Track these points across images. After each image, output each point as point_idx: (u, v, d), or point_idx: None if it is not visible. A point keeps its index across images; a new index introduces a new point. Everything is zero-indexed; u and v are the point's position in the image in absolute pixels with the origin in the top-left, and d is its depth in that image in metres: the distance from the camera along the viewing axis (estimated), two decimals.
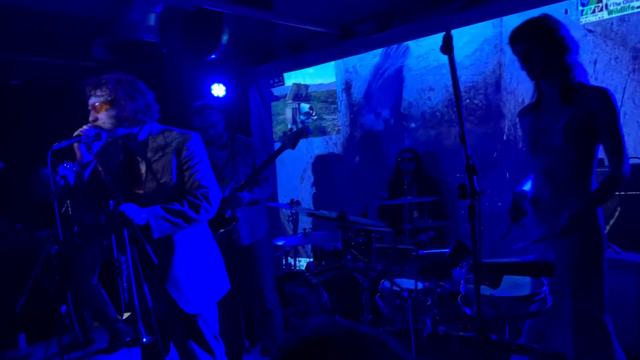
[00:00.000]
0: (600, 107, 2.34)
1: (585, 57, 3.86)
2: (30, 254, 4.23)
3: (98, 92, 2.30)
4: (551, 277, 2.13)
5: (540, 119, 2.54)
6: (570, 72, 2.40)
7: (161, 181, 2.36)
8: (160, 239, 2.25)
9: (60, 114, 4.99)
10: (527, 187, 2.64)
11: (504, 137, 4.32)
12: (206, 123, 3.73)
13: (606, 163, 3.39)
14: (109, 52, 5.38)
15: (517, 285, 2.13)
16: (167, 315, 2.43)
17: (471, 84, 4.51)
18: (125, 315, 5.41)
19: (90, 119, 2.32)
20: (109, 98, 2.29)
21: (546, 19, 2.46)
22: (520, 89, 4.19)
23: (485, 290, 1.92)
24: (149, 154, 2.40)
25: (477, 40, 4.42)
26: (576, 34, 3.86)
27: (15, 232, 4.34)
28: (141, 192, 2.37)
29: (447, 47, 1.94)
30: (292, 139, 3.47)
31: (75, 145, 2.26)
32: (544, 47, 2.39)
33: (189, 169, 2.38)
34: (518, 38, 2.45)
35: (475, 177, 1.64)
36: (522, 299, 1.99)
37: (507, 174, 4.28)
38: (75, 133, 2.26)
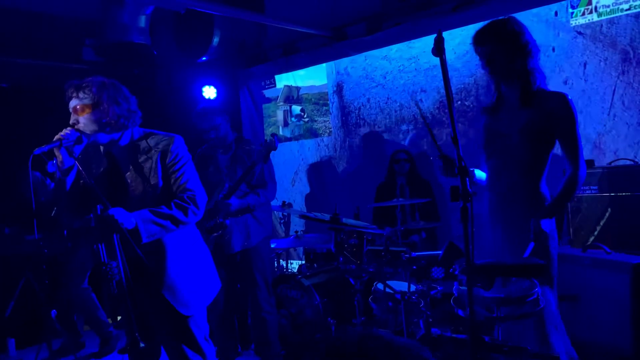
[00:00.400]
0: (560, 112, 2.38)
1: (575, 59, 3.89)
2: (19, 258, 4.19)
3: (81, 95, 2.25)
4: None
5: (498, 121, 2.56)
6: (532, 77, 2.43)
7: (147, 185, 2.33)
8: (151, 243, 2.24)
9: (49, 117, 4.94)
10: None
11: None
12: (206, 126, 3.72)
13: (596, 164, 3.45)
14: (99, 54, 5.36)
15: (509, 286, 2.14)
16: (158, 319, 2.41)
17: (462, 86, 4.53)
18: (119, 318, 5.37)
19: (71, 121, 2.26)
20: (92, 101, 2.24)
21: (512, 22, 2.49)
22: None
23: (477, 291, 1.92)
24: (133, 159, 2.37)
25: (468, 42, 4.41)
26: (566, 36, 3.91)
27: (3, 236, 4.29)
28: (127, 196, 2.34)
29: (438, 49, 1.94)
30: (262, 154, 3.49)
31: (56, 149, 2.20)
32: (508, 50, 2.41)
33: (174, 172, 2.36)
34: (483, 39, 2.47)
35: (467, 178, 1.64)
36: (515, 300, 1.99)
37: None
38: (56, 137, 2.20)
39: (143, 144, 2.38)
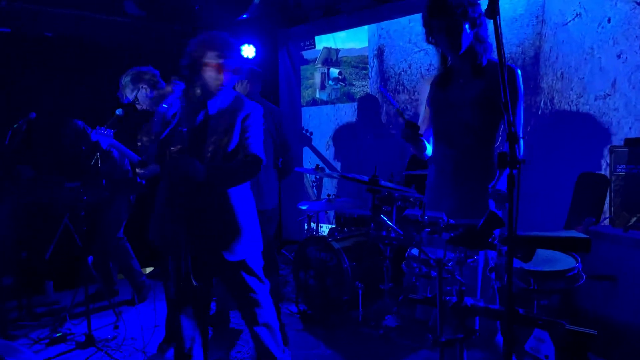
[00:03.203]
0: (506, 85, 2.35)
1: (631, 32, 3.69)
2: (59, 204, 4.31)
3: (231, 54, 2.55)
4: None
5: (448, 92, 2.59)
6: (482, 48, 2.46)
7: (223, 142, 2.52)
8: (217, 192, 2.51)
9: (91, 67, 5.02)
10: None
11: (539, 112, 4.20)
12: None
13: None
14: (141, 7, 5.35)
15: (549, 259, 2.09)
16: (217, 258, 2.59)
17: (508, 55, 4.37)
18: (149, 269, 5.53)
19: (211, 74, 2.50)
20: (237, 66, 2.56)
21: None
22: (560, 62, 4.05)
23: (516, 263, 1.89)
24: (220, 117, 2.57)
25: (517, 9, 4.26)
26: (624, 6, 3.71)
27: (43, 182, 4.41)
28: (204, 149, 2.53)
29: (492, 11, 1.86)
30: None
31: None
32: (463, 21, 2.38)
33: (247, 137, 2.55)
34: (435, 12, 2.40)
35: (516, 145, 1.58)
36: (554, 273, 1.95)
37: (538, 151, 4.17)
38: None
39: (232, 105, 2.62)
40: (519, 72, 2.46)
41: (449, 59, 2.59)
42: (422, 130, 2.63)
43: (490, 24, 2.42)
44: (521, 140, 2.42)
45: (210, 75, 2.52)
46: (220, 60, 2.52)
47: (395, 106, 2.47)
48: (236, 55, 2.61)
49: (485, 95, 2.44)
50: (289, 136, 4.20)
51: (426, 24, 2.48)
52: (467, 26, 2.39)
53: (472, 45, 2.45)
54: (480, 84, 2.46)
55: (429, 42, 2.55)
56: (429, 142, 2.71)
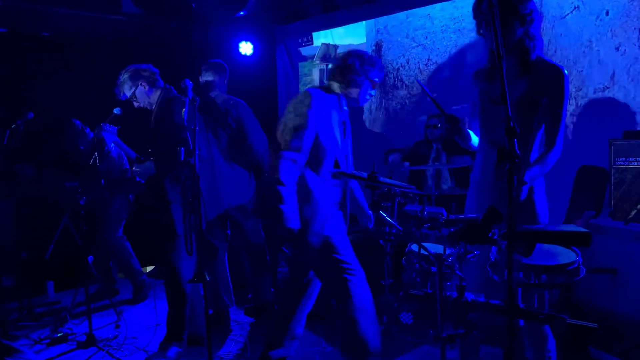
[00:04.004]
0: (553, 87, 2.32)
1: (629, 24, 3.68)
2: (59, 204, 4.30)
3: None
4: None
5: (493, 88, 2.49)
6: (532, 45, 2.36)
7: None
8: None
9: (88, 66, 5.00)
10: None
11: None
12: None
13: None
14: (139, 5, 5.34)
15: (549, 253, 2.09)
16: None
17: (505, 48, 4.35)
18: (149, 268, 5.51)
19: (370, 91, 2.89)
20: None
21: None
22: (558, 55, 4.04)
23: (515, 257, 1.88)
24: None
25: None
26: None
27: (43, 181, 4.41)
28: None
29: (489, 4, 1.85)
30: None
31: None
32: (513, 17, 2.32)
33: None
34: (490, 5, 2.34)
35: (515, 139, 1.57)
36: (554, 268, 1.95)
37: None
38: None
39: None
40: (567, 73, 2.36)
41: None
42: (469, 123, 2.58)
43: (539, 20, 2.40)
44: (559, 145, 2.37)
45: (366, 90, 2.85)
46: (377, 79, 2.84)
47: (434, 99, 2.40)
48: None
49: (527, 96, 2.36)
50: (256, 133, 3.85)
51: (476, 16, 2.43)
52: (516, 22, 2.32)
53: (521, 42, 2.36)
54: (525, 84, 2.38)
55: (478, 34, 2.46)
56: (476, 134, 2.64)
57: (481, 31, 2.43)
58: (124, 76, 3.53)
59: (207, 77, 3.81)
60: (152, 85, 3.54)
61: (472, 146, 2.63)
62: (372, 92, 2.90)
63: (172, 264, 3.32)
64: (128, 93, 3.54)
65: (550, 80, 2.32)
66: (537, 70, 2.36)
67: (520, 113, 2.36)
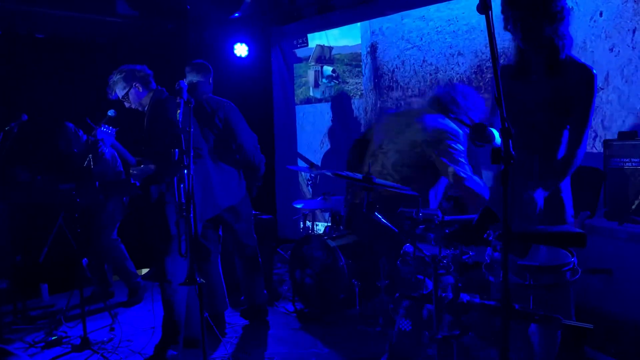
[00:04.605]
0: (582, 88, 2.29)
1: (623, 25, 3.70)
2: (53, 206, 4.29)
3: None
4: None
5: (519, 87, 2.44)
6: (561, 44, 2.30)
7: None
8: None
9: (83, 68, 4.98)
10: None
11: None
12: None
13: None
14: (133, 7, 5.33)
15: (544, 254, 2.10)
16: None
17: (500, 50, 4.35)
18: (144, 271, 5.50)
19: None
20: None
21: None
22: None
23: (510, 258, 1.88)
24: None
25: None
26: (616, 0, 3.70)
27: (37, 184, 4.39)
28: None
29: (484, 5, 1.85)
30: None
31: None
32: (542, 15, 2.26)
33: None
34: (515, 2, 2.31)
35: (510, 140, 1.58)
36: (549, 268, 1.95)
37: None
38: None
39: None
40: (596, 72, 2.31)
41: (526, 52, 2.42)
42: (491, 120, 2.55)
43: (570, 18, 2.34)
44: (583, 147, 2.33)
45: None
46: None
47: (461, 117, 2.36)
48: None
49: (558, 97, 2.31)
50: (244, 131, 3.82)
51: (504, 11, 2.36)
52: (545, 20, 2.26)
53: (551, 40, 2.29)
54: (554, 84, 2.32)
55: (505, 29, 2.38)
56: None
57: (508, 27, 2.36)
58: (118, 76, 3.51)
59: (191, 77, 3.75)
60: (146, 87, 3.53)
61: (496, 145, 2.59)
62: None
63: (166, 266, 3.31)
64: (120, 93, 3.52)
65: (579, 80, 2.29)
66: (566, 70, 2.31)
67: (549, 114, 2.33)
